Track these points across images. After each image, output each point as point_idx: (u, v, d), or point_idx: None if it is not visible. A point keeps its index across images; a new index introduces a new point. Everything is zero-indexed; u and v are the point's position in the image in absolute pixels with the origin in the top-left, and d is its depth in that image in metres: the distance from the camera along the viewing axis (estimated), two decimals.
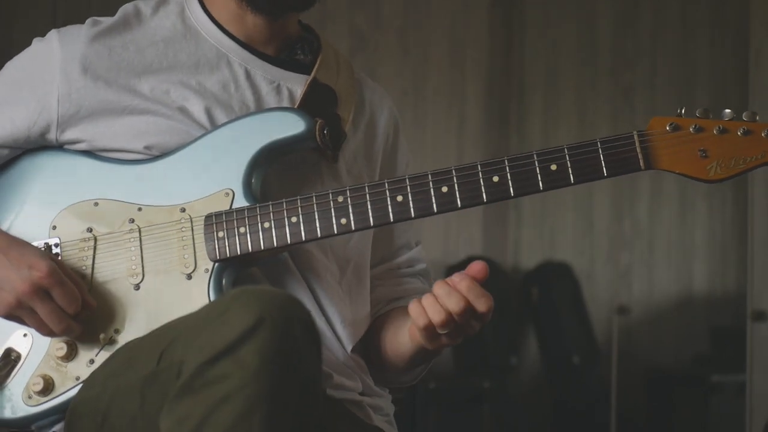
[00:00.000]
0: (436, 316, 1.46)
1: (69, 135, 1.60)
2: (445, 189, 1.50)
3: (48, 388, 1.53)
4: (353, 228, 1.51)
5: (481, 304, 1.46)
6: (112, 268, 1.56)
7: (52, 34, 1.62)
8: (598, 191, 5.33)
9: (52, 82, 1.59)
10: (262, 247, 1.52)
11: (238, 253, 1.52)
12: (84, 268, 1.57)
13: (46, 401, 1.53)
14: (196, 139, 1.58)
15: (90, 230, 1.58)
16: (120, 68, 1.60)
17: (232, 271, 1.55)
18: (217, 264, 1.53)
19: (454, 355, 4.80)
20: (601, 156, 1.47)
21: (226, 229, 1.53)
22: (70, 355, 1.54)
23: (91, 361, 1.53)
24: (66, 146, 1.62)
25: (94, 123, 1.59)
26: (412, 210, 1.50)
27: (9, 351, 1.57)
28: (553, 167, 1.48)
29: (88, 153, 1.61)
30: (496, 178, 1.49)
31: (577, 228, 5.42)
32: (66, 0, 4.16)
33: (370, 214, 1.51)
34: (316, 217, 1.51)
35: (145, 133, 1.58)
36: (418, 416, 4.06)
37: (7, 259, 1.49)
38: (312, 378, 1.28)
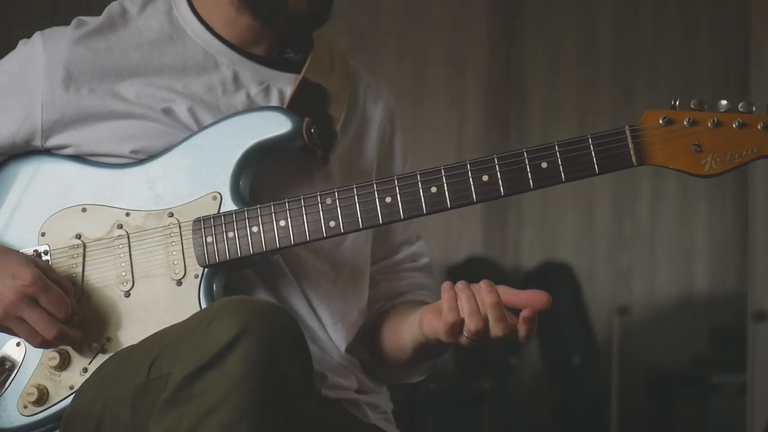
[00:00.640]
0: (473, 324, 1.43)
1: (54, 141, 1.58)
2: (434, 189, 1.47)
3: (42, 398, 1.52)
4: (342, 231, 1.49)
5: (523, 330, 1.44)
6: (102, 275, 1.55)
7: (36, 37, 1.59)
8: (599, 191, 5.32)
9: (35, 88, 1.57)
10: (251, 252, 1.50)
11: (227, 257, 1.51)
12: (74, 275, 1.55)
13: (42, 411, 1.52)
14: (182, 141, 1.56)
15: (78, 236, 1.56)
16: (105, 73, 1.58)
17: (223, 275, 1.54)
18: (206, 269, 1.52)
19: (454, 356, 4.80)
20: (593, 152, 1.43)
21: (215, 234, 1.51)
22: (63, 365, 1.52)
23: (85, 370, 1.52)
24: (53, 151, 1.60)
25: (79, 128, 1.57)
26: (401, 211, 1.47)
27: (3, 360, 1.55)
28: (544, 165, 1.44)
29: (75, 157, 1.59)
30: (485, 177, 1.45)
31: (577, 228, 5.42)
32: (66, 0, 4.16)
33: (359, 216, 1.48)
34: (305, 220, 1.49)
35: (131, 137, 1.56)
36: (418, 417, 4.05)
37: None
38: (300, 385, 1.27)
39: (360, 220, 1.48)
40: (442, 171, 1.47)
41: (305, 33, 1.67)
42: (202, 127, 1.56)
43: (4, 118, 1.58)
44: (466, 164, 1.46)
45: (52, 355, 1.52)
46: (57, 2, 4.14)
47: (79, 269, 1.55)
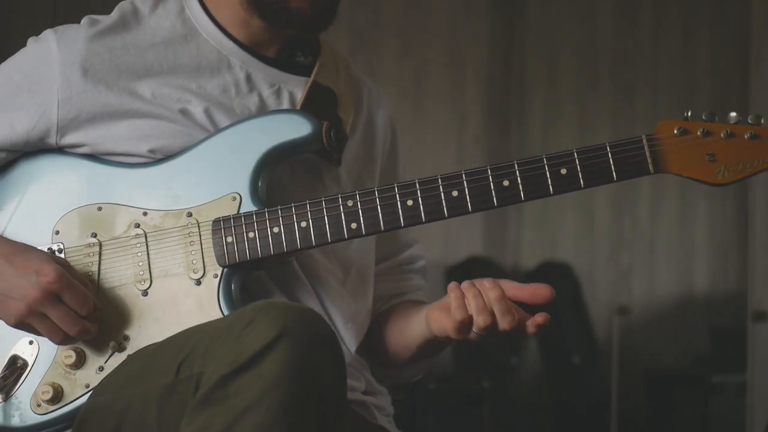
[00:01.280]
0: (481, 321, 1.47)
1: (69, 139, 1.58)
2: (455, 193, 1.49)
3: (57, 396, 1.52)
4: (364, 233, 1.51)
5: (532, 329, 1.47)
6: (119, 274, 1.55)
7: (49, 35, 1.59)
8: (599, 192, 5.32)
9: (51, 86, 1.56)
10: (272, 252, 1.51)
11: (248, 258, 1.52)
12: (90, 274, 1.55)
13: (56, 409, 1.52)
14: (200, 142, 1.56)
15: (94, 235, 1.56)
16: (121, 71, 1.58)
17: (240, 276, 1.55)
18: (226, 269, 1.52)
19: (454, 356, 4.80)
20: (611, 160, 1.48)
21: (235, 234, 1.52)
22: (79, 363, 1.52)
23: (101, 368, 1.52)
24: (66, 150, 1.60)
25: (96, 126, 1.57)
26: (422, 214, 1.50)
27: (15, 358, 1.55)
28: (563, 171, 1.48)
29: (90, 156, 1.59)
30: (506, 183, 1.48)
31: (577, 228, 5.42)
32: (66, 0, 4.16)
33: (381, 218, 1.51)
34: (326, 221, 1.51)
35: (148, 136, 1.57)
36: (418, 417, 4.05)
37: (12, 267, 1.47)
38: (334, 392, 1.28)
39: (381, 222, 1.51)
40: (464, 176, 1.49)
41: (308, 35, 1.68)
42: (219, 129, 1.57)
43: (18, 116, 1.58)
44: (487, 169, 1.50)
45: (68, 354, 1.52)
46: (57, 2, 4.14)
47: (95, 268, 1.55)
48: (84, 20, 1.61)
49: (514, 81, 5.43)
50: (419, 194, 1.50)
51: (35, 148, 1.61)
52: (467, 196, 1.49)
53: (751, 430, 3.78)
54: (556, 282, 5.17)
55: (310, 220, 1.51)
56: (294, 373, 1.23)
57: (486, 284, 1.48)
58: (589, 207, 5.40)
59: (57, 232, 1.57)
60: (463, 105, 5.29)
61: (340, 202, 1.51)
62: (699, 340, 5.40)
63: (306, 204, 1.52)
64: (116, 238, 1.56)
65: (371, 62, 4.95)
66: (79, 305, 1.47)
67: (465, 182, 1.49)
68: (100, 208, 1.57)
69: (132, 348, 1.51)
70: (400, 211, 1.50)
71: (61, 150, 1.60)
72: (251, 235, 1.52)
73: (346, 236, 1.51)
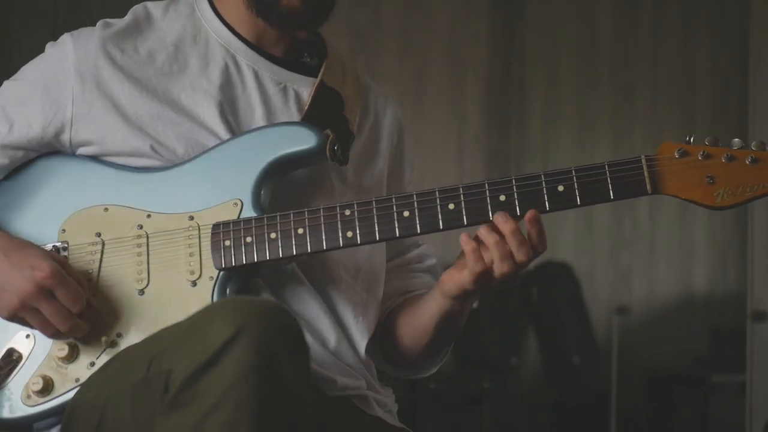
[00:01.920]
0: (506, 267, 1.47)
1: (83, 134, 1.61)
2: (451, 206, 1.50)
3: (47, 388, 1.54)
4: (359, 242, 1.52)
5: (534, 233, 1.48)
6: (118, 273, 1.57)
7: (66, 38, 1.64)
8: None
9: (66, 83, 1.61)
10: (268, 257, 1.53)
11: (244, 262, 1.53)
12: (90, 271, 1.57)
13: (45, 402, 1.54)
14: (207, 150, 1.60)
15: (98, 235, 1.59)
16: (132, 71, 1.62)
17: (237, 280, 1.56)
18: (222, 272, 1.54)
19: (454, 356, 4.80)
20: (609, 179, 1.48)
21: (233, 239, 1.54)
22: (72, 357, 1.54)
23: (92, 364, 1.54)
24: (79, 149, 1.63)
25: (106, 124, 1.60)
26: (418, 226, 1.51)
27: (11, 351, 1.57)
28: (561, 188, 1.48)
29: (100, 159, 1.63)
30: (503, 197, 1.49)
31: (577, 228, 5.43)
32: (66, 0, 4.16)
33: (377, 228, 1.52)
34: (323, 229, 1.53)
35: (155, 135, 1.60)
36: (418, 416, 4.05)
37: (8, 261, 1.51)
38: (298, 383, 1.29)
39: (377, 232, 1.52)
40: (461, 189, 1.50)
41: (301, 30, 1.70)
42: (227, 139, 1.60)
43: (35, 111, 1.62)
44: (485, 184, 1.50)
45: (61, 347, 1.54)
46: (57, 2, 4.15)
47: (96, 266, 1.58)
48: (99, 23, 1.67)
49: (514, 81, 5.43)
50: (416, 206, 1.51)
51: (51, 148, 1.64)
52: (463, 210, 1.50)
53: (750, 430, 3.79)
54: (556, 282, 5.21)
55: (306, 228, 1.53)
56: (253, 370, 1.24)
57: (499, 217, 1.47)
58: (589, 207, 5.39)
59: (63, 231, 1.60)
60: (463, 105, 5.29)
61: (338, 211, 1.53)
62: (699, 340, 5.41)
63: (304, 212, 1.54)
64: (119, 238, 1.59)
65: (371, 62, 4.96)
66: (71, 302, 1.50)
67: (462, 196, 1.50)
68: (106, 209, 1.60)
69: (125, 345, 1.53)
70: (396, 221, 1.52)
71: (73, 153, 1.64)
72: (248, 239, 1.53)
73: (341, 244, 1.53)
